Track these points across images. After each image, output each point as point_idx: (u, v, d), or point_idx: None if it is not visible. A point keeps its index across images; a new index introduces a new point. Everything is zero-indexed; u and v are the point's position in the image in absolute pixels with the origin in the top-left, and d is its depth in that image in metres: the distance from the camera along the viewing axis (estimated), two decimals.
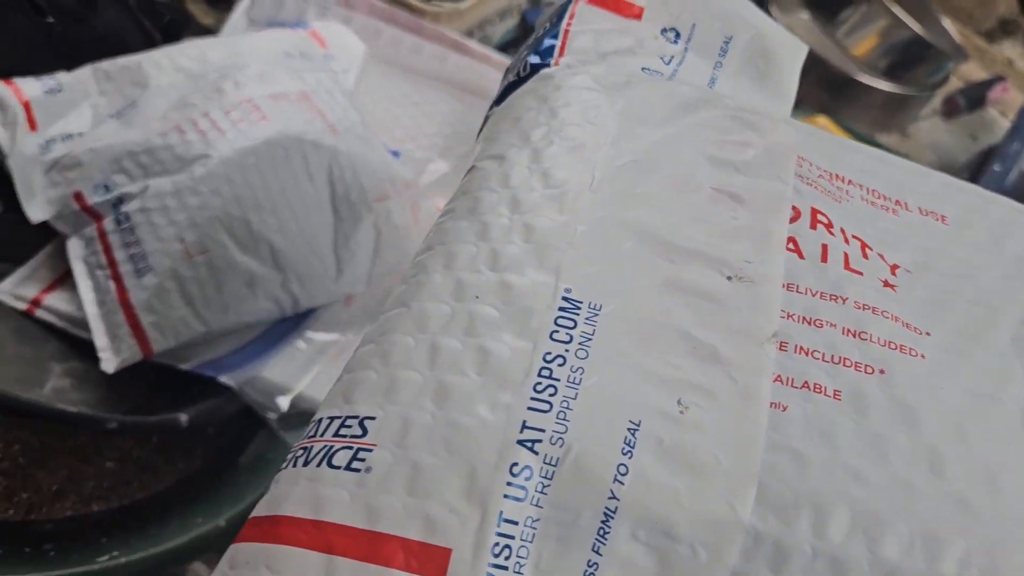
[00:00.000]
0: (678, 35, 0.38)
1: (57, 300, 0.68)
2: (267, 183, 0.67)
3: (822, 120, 0.90)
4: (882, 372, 0.26)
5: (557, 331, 0.25)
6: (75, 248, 0.67)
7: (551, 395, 0.24)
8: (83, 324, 0.66)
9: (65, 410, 0.54)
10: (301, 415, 0.64)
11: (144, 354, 0.62)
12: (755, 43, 0.38)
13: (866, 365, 0.26)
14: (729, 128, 0.32)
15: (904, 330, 0.28)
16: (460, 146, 0.85)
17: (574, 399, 0.24)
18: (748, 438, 0.24)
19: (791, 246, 0.29)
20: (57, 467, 0.57)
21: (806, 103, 1.06)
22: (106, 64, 0.76)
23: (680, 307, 0.26)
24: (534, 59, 0.37)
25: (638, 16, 0.39)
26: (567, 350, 0.25)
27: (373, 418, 0.24)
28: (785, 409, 0.25)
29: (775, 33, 0.39)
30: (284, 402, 0.62)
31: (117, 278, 0.64)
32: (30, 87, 0.72)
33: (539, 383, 0.24)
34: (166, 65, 0.75)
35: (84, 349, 0.66)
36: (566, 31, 0.38)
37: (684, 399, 0.24)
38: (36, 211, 0.68)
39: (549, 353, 0.25)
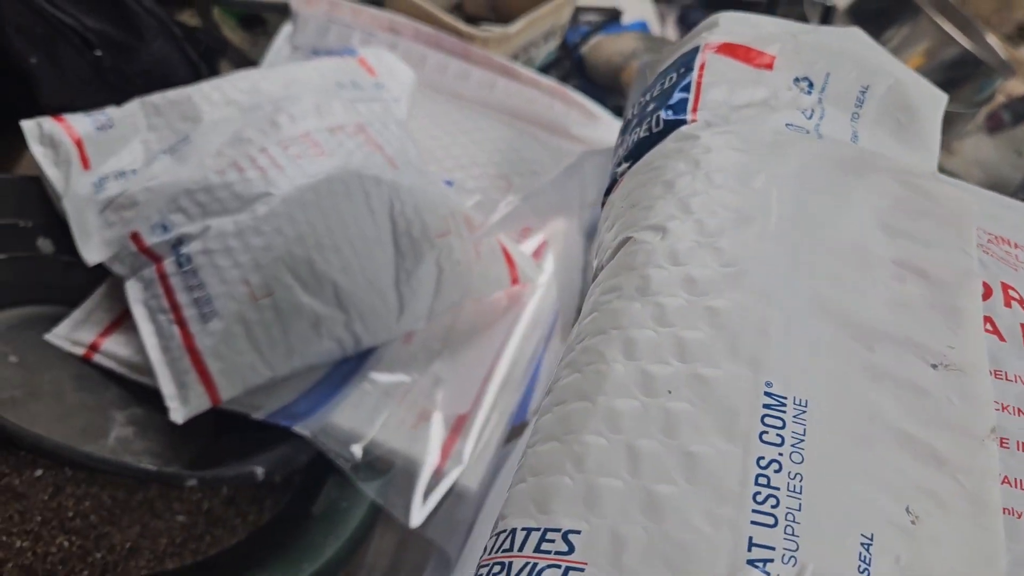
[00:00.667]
0: (812, 85, 0.37)
1: (115, 344, 0.66)
2: (329, 221, 0.65)
3: None
4: None
5: (766, 432, 0.23)
6: (134, 291, 0.65)
7: (773, 507, 0.22)
8: (143, 369, 0.64)
9: (147, 469, 0.52)
10: (372, 462, 0.62)
11: (212, 402, 0.60)
12: (894, 93, 0.37)
13: None
14: (899, 194, 0.30)
15: None
16: (513, 175, 0.83)
17: (798, 511, 0.22)
18: (988, 552, 0.22)
19: (989, 327, 0.27)
20: (129, 524, 0.55)
21: None
22: (155, 97, 0.74)
23: (888, 400, 0.24)
24: (667, 114, 0.35)
25: (769, 66, 0.37)
26: (780, 453, 0.23)
27: (578, 532, 0.22)
28: (1020, 516, 0.23)
29: (914, 81, 0.37)
30: (358, 450, 0.61)
31: (182, 323, 0.62)
32: (81, 124, 0.70)
33: (758, 493, 0.22)
34: (217, 99, 0.73)
35: (144, 395, 0.64)
36: (698, 83, 0.36)
37: (912, 507, 0.22)
38: (92, 253, 0.66)
39: (762, 458, 0.23)
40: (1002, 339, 0.27)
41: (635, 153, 0.35)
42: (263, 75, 0.76)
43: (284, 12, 0.87)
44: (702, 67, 0.36)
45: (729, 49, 0.37)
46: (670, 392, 0.24)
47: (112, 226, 0.67)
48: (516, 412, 0.68)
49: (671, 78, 0.37)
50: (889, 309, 0.26)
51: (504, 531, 0.24)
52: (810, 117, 0.35)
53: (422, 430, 0.65)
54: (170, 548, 0.56)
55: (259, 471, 0.56)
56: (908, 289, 0.27)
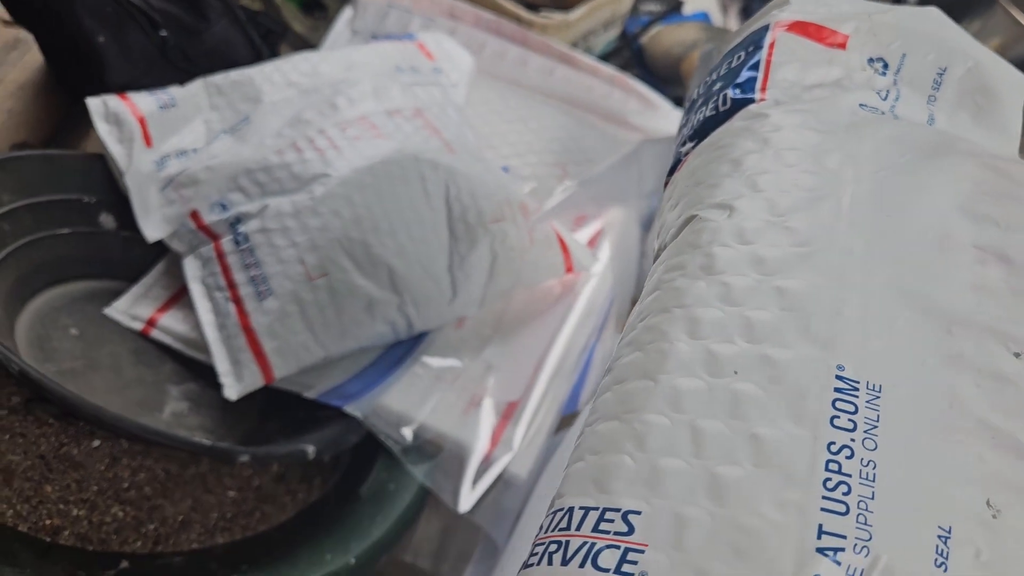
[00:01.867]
0: (886, 66, 0.35)
1: (172, 320, 0.67)
2: (385, 204, 0.65)
3: None
4: None
5: (838, 416, 0.22)
6: (192, 268, 0.66)
7: (844, 494, 0.21)
8: (198, 345, 0.65)
9: (201, 443, 0.52)
10: (422, 446, 0.62)
11: (266, 380, 0.61)
12: (973, 76, 0.35)
13: None
14: (980, 177, 0.29)
15: None
16: (569, 163, 0.82)
17: (871, 499, 0.21)
18: None
19: None
20: (182, 497, 0.56)
21: None
22: (217, 78, 0.75)
23: (969, 387, 0.23)
24: (734, 93, 0.34)
25: (843, 45, 0.35)
26: (852, 439, 0.22)
27: (639, 512, 0.22)
28: None
29: (995, 65, 0.36)
30: (408, 433, 0.60)
31: (237, 301, 0.62)
32: (145, 102, 0.71)
33: (828, 479, 0.21)
34: (278, 80, 0.74)
35: (199, 370, 0.65)
36: (767, 62, 0.35)
37: (993, 499, 0.21)
38: (152, 229, 0.67)
39: (833, 443, 0.22)
40: None
41: (701, 132, 0.34)
42: (323, 57, 0.76)
43: None
44: (772, 45, 0.35)
45: (801, 27, 0.36)
46: (736, 373, 0.24)
47: (172, 203, 0.68)
48: (567, 402, 0.67)
49: (739, 56, 0.36)
50: (971, 294, 0.25)
51: (561, 509, 0.24)
52: (885, 98, 0.34)
53: (472, 415, 0.64)
54: (220, 522, 0.57)
55: (310, 449, 0.56)
56: (990, 274, 0.26)
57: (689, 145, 0.35)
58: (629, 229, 0.77)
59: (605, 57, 0.98)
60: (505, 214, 0.70)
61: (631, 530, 0.22)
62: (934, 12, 0.37)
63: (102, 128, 0.69)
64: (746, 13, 1.11)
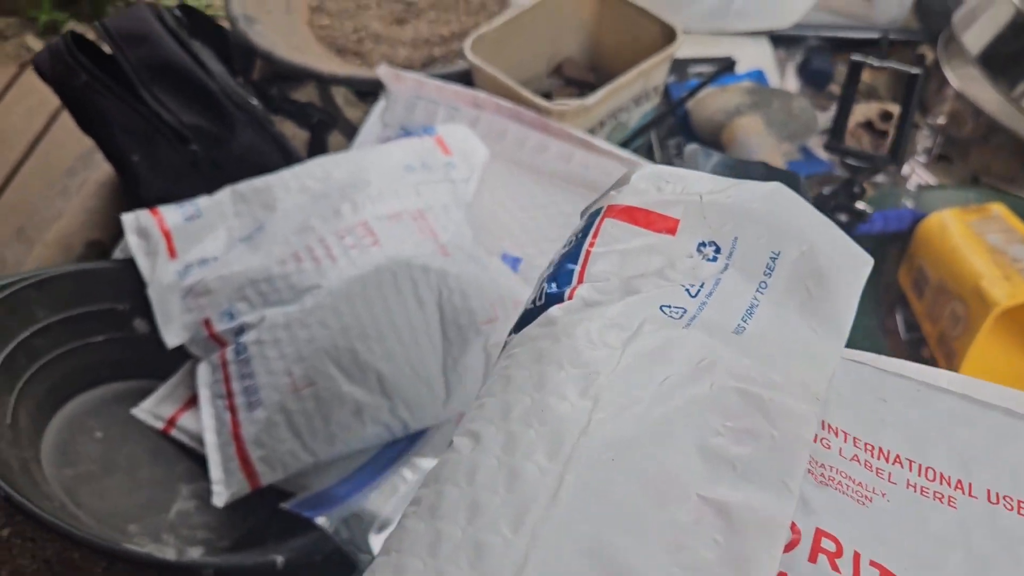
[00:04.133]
0: (718, 250, 0.34)
1: (190, 420, 0.72)
2: (375, 312, 0.68)
3: (996, 208, 0.79)
4: None
5: None
6: (203, 374, 0.71)
7: None
8: None
9: (166, 560, 0.57)
10: None
11: (252, 487, 0.65)
12: (806, 260, 0.33)
13: None
14: (733, 409, 0.27)
15: None
16: None
17: None
18: None
19: None
20: None
21: (987, 175, 0.94)
22: (242, 186, 0.80)
23: None
24: (550, 287, 0.34)
25: (672, 230, 0.35)
26: None
27: None
28: None
29: (831, 247, 0.34)
30: (378, 543, 0.63)
31: (232, 409, 0.67)
32: (172, 215, 0.77)
33: None
34: (293, 186, 0.78)
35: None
36: (587, 252, 0.35)
37: None
38: (172, 336, 0.73)
39: None
40: None
41: (518, 325, 0.35)
42: (336, 162, 0.80)
43: (382, 86, 0.91)
44: (596, 233, 0.35)
45: (628, 213, 0.35)
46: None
47: (191, 311, 0.74)
48: None
49: (570, 242, 0.36)
50: (667, 560, 0.24)
51: None
52: (695, 294, 0.33)
53: None
54: None
55: (279, 560, 0.60)
56: (700, 532, 0.25)
57: (511, 337, 0.35)
58: None
59: (645, 127, 0.97)
60: (497, 314, 0.71)
61: None
62: (780, 190, 0.35)
63: (132, 241, 0.76)
64: (804, 69, 1.06)
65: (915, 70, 0.75)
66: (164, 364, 0.75)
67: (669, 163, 0.99)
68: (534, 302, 0.35)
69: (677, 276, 0.34)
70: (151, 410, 0.73)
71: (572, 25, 1.00)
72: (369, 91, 1.02)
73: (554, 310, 0.33)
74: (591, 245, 0.35)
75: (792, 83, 1.07)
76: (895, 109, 0.94)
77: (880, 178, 0.91)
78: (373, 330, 0.68)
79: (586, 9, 0.99)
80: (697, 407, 0.28)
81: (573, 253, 0.35)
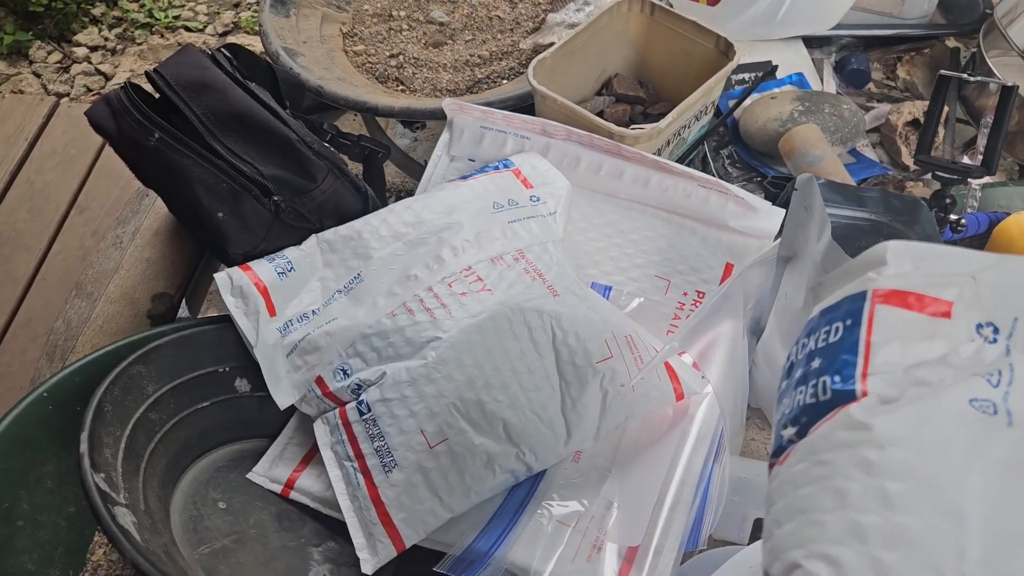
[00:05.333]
0: (996, 330, 0.35)
1: (308, 480, 0.71)
2: (495, 360, 0.68)
3: None
4: None
5: None
6: (321, 433, 0.70)
7: None
8: (334, 504, 0.69)
9: None
10: None
11: (397, 551, 0.64)
12: None
13: None
14: None
15: None
16: (673, 273, 0.82)
17: None
18: None
19: None
20: None
21: None
22: (328, 234, 0.79)
23: None
24: (834, 382, 0.35)
25: (947, 313, 0.35)
26: None
27: None
28: None
29: None
30: None
31: (366, 472, 0.66)
32: (265, 271, 0.75)
33: None
34: (385, 233, 0.77)
35: (337, 527, 0.69)
36: (867, 343, 0.35)
37: None
38: (283, 397, 0.72)
39: None
40: None
41: (801, 420, 0.35)
42: (424, 204, 0.79)
43: (441, 116, 0.90)
44: (871, 321, 0.35)
45: (900, 298, 0.36)
46: None
47: (299, 369, 0.72)
48: (688, 538, 0.68)
49: (837, 329, 0.36)
50: None
51: None
52: (997, 384, 0.33)
53: (595, 562, 0.66)
54: None
55: None
56: None
57: (791, 431, 0.35)
58: (737, 343, 0.77)
59: (699, 141, 0.98)
60: (612, 352, 0.71)
61: None
62: None
63: (230, 302, 0.74)
64: (840, 68, 1.07)
65: (1010, 83, 0.76)
66: (266, 422, 0.74)
67: (724, 173, 1.00)
68: (815, 395, 0.35)
69: (961, 363, 0.34)
70: (266, 474, 0.72)
71: (620, 42, 1.00)
72: (429, 119, 1.00)
73: (855, 410, 0.33)
74: (869, 334, 0.35)
75: (831, 84, 1.08)
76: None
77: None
78: (496, 379, 0.67)
79: (634, 25, 0.99)
80: None
81: (849, 342, 0.35)
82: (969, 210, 0.87)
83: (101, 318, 0.89)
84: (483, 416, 0.67)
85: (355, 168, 1.01)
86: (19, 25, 2.41)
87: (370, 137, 0.97)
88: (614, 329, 0.72)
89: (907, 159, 0.98)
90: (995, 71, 0.96)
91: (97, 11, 2.51)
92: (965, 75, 0.79)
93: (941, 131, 0.94)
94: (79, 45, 2.45)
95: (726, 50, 0.92)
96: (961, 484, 0.30)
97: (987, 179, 0.91)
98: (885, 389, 0.34)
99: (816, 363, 0.36)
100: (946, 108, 0.91)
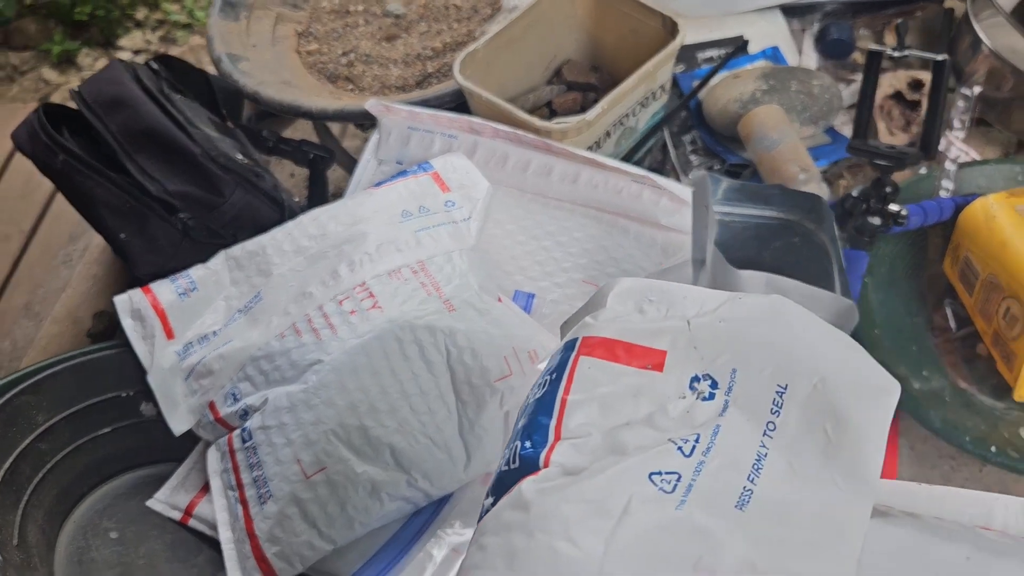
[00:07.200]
0: (715, 385, 0.29)
1: (207, 506, 0.69)
2: (383, 382, 0.64)
3: None
4: None
5: None
6: (212, 461, 0.68)
7: None
8: None
9: None
10: None
11: None
12: (819, 395, 0.28)
13: None
14: None
15: None
16: (601, 277, 0.77)
17: None
18: None
19: None
20: None
21: None
22: (236, 250, 0.77)
23: None
24: (524, 449, 0.30)
25: (659, 366, 0.30)
26: None
27: None
28: None
29: (847, 375, 0.28)
30: None
31: (244, 503, 0.64)
32: (165, 293, 0.74)
33: None
34: (288, 248, 0.74)
35: None
36: (563, 401, 0.30)
37: None
38: (178, 423, 0.70)
39: None
40: None
41: (496, 490, 0.30)
42: (332, 214, 0.76)
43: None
44: (571, 377, 0.30)
45: (608, 348, 0.30)
46: None
47: (195, 393, 0.71)
48: None
49: (544, 383, 0.32)
50: None
51: None
52: (690, 453, 0.28)
53: None
54: None
55: None
56: None
57: (488, 502, 0.30)
58: None
59: (655, 128, 0.91)
60: (511, 368, 0.67)
61: None
62: (776, 306, 0.30)
63: (127, 324, 0.73)
64: (822, 40, 0.98)
65: (940, 56, 0.67)
66: (174, 447, 0.73)
67: (685, 161, 0.93)
68: (508, 463, 0.30)
69: (669, 424, 0.29)
70: (167, 500, 0.70)
71: (568, 25, 0.94)
72: (367, 121, 0.97)
73: (527, 486, 0.28)
74: (566, 392, 0.30)
75: (811, 57, 0.99)
76: (926, 77, 0.86)
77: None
78: (383, 402, 0.64)
79: (581, 7, 0.93)
80: None
81: (547, 401, 0.30)
82: (942, 193, 0.79)
83: (45, 339, 0.89)
84: (367, 442, 0.63)
85: (304, 174, 0.99)
86: (67, 34, 2.49)
87: (311, 142, 0.95)
88: (516, 344, 0.68)
89: (886, 136, 0.89)
90: (982, 35, 0.86)
91: (140, 15, 2.57)
92: (889, 49, 0.70)
93: (881, 93, 0.84)
94: (123, 49, 2.51)
95: (672, 29, 0.85)
96: None
97: (966, 157, 0.81)
98: (573, 459, 0.29)
99: (521, 422, 0.32)
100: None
